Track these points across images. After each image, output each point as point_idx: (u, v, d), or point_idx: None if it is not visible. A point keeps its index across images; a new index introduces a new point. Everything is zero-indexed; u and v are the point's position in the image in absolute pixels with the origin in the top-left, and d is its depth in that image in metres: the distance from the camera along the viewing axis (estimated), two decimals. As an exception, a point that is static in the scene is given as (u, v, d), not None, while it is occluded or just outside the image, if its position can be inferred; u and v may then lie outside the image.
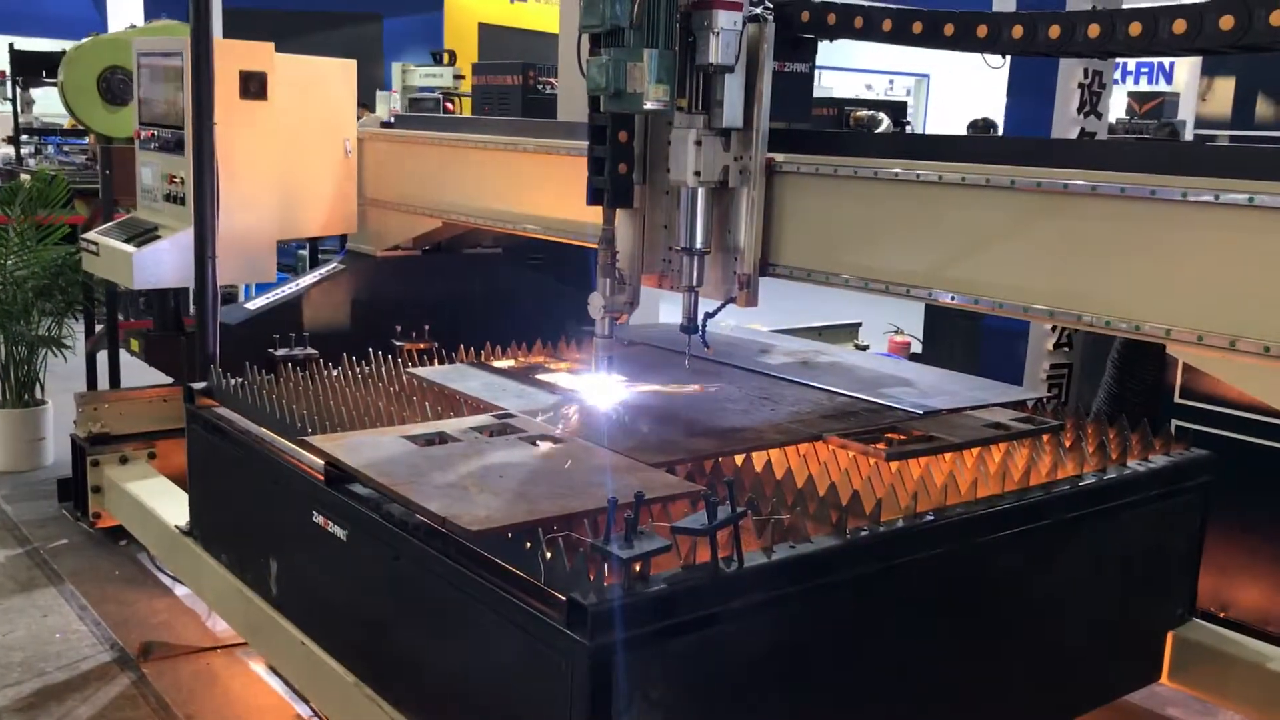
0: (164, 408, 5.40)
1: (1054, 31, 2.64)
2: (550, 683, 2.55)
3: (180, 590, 4.72)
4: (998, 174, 2.87)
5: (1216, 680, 3.77)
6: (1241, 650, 3.74)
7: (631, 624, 2.48)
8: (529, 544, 2.69)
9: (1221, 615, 4.32)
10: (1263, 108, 4.23)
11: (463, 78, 12.53)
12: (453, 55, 13.56)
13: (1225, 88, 4.28)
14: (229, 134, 4.70)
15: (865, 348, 8.15)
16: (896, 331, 8.31)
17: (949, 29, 2.85)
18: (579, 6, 3.22)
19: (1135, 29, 2.49)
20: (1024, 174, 2.83)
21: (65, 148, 12.71)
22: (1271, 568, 4.33)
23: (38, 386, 6.35)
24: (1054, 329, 5.24)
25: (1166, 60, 14.81)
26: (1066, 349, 5.31)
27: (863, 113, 4.30)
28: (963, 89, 16.25)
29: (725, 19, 3.10)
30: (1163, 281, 2.63)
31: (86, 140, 11.70)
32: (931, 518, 3.03)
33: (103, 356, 6.22)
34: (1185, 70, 12.03)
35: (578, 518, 2.78)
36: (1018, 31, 2.72)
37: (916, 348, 7.83)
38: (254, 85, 4.84)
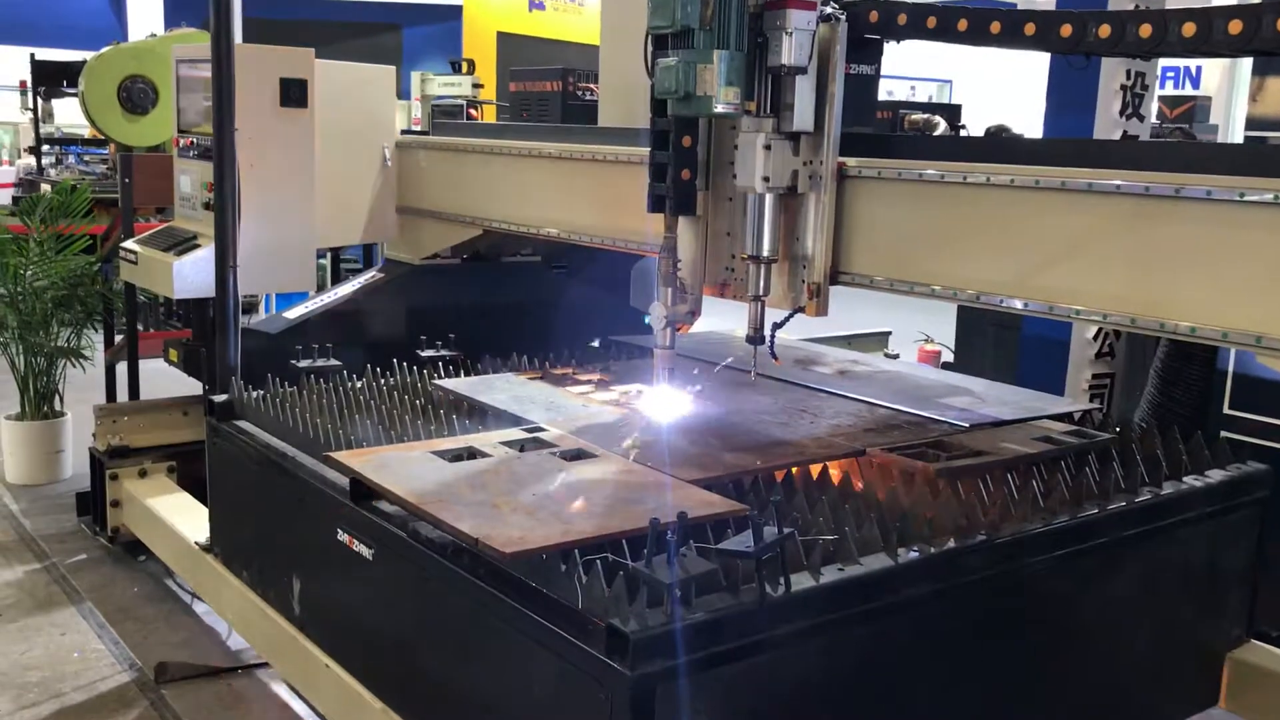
0: (184, 420, 5.31)
1: (1145, 30, 2.50)
2: (588, 713, 2.43)
3: (200, 608, 4.61)
4: (1074, 178, 2.73)
5: (1277, 705, 3.61)
6: (1303, 673, 3.59)
7: (675, 652, 2.36)
8: (564, 566, 2.57)
9: (1275, 635, 4.15)
10: (1318, 108, 4.08)
11: (481, 86, 12.48)
12: (471, 64, 13.51)
13: (1279, 87, 4.12)
14: (268, 142, 4.62)
15: (895, 356, 8.00)
16: (926, 340, 8.16)
17: (1029, 28, 2.71)
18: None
19: (1235, 27, 2.36)
20: (1103, 177, 2.69)
21: (86, 157, 12.68)
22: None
23: (57, 398, 6.26)
24: (1096, 337, 5.08)
25: (1193, 64, 14.62)
26: (1109, 358, 5.16)
27: (918, 116, 4.16)
28: (988, 94, 16.08)
29: (799, 19, 2.97)
30: (1251, 287, 2.49)
31: (107, 150, 11.66)
32: (985, 538, 2.90)
33: (122, 368, 6.12)
34: (1216, 74, 11.86)
35: (615, 539, 2.65)
36: (1105, 31, 2.57)
37: (947, 356, 7.68)
38: (295, 92, 4.73)
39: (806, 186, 3.25)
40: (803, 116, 3.15)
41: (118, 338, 6.39)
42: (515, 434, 3.44)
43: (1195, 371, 4.79)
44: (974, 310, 6.31)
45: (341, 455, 3.26)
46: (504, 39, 15.82)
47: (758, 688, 2.52)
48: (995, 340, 6.42)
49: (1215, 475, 3.51)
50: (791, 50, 3.00)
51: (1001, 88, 16.47)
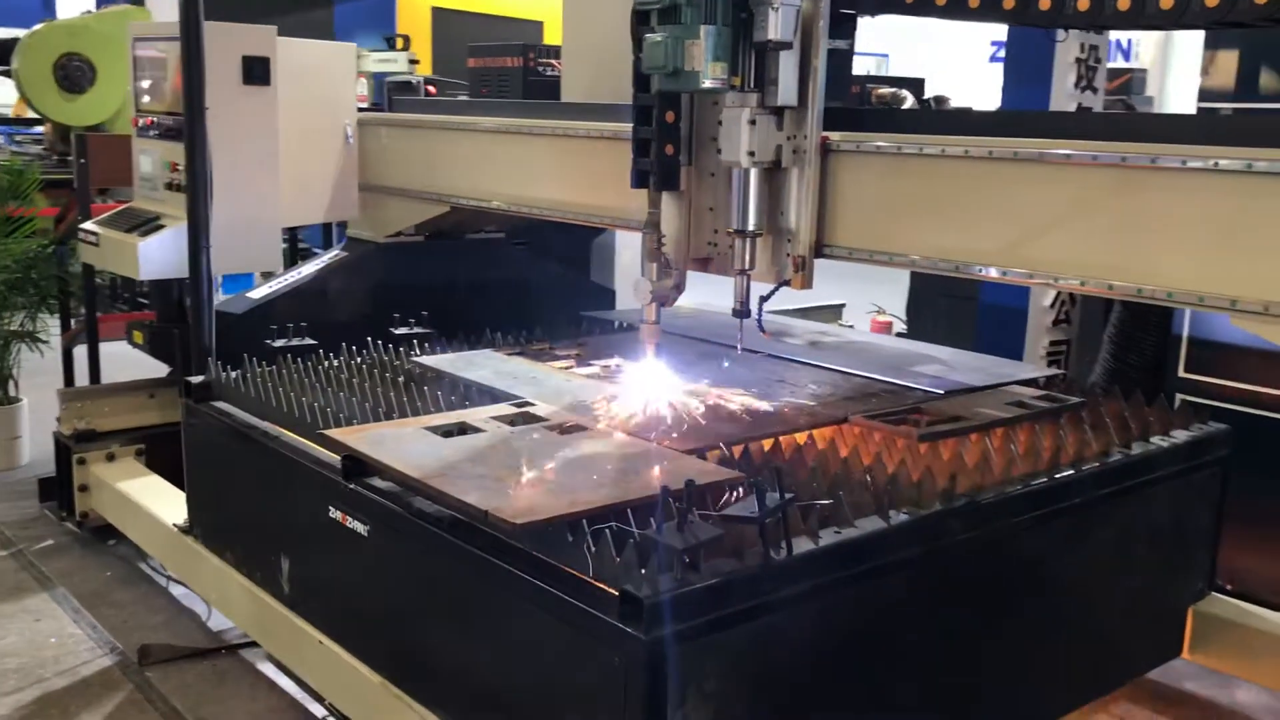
0: (151, 403, 5.26)
1: (1124, 4, 2.59)
2: (602, 678, 2.49)
3: (177, 590, 4.59)
4: (1052, 148, 2.82)
5: (1237, 654, 3.78)
6: (1262, 623, 3.75)
7: (685, 616, 2.43)
8: (572, 536, 2.62)
9: (1228, 588, 4.31)
10: (1267, 79, 4.21)
11: (417, 62, 12.37)
12: (406, 40, 13.36)
13: (1229, 60, 4.25)
14: (231, 120, 4.58)
15: (850, 328, 8.12)
16: (878, 311, 8.29)
17: (1009, 2, 2.78)
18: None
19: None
20: (1079, 148, 2.78)
21: (17, 137, 12.35)
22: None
23: (11, 383, 6.16)
24: (1053, 305, 5.22)
25: (1123, 37, 14.88)
26: (1066, 325, 5.30)
27: (885, 90, 4.24)
28: (923, 68, 16.25)
29: (785, -7, 3.03)
30: (1225, 253, 2.60)
31: (40, 129, 11.37)
32: (971, 499, 3.00)
33: (79, 352, 6.03)
34: (1151, 47, 12.09)
35: (620, 508, 2.71)
36: (1083, 4, 2.65)
37: (899, 328, 7.81)
38: (257, 70, 4.69)
39: (790, 161, 3.31)
40: (787, 91, 3.20)
41: (74, 322, 6.28)
42: (505, 409, 3.47)
43: (1150, 337, 4.93)
44: (926, 280, 6.44)
45: (335, 433, 3.28)
46: (439, 14, 15.63)
47: (763, 647, 2.60)
48: (948, 310, 6.54)
49: (1180, 436, 3.65)
50: (778, 25, 3.04)
51: (936, 62, 16.64)
